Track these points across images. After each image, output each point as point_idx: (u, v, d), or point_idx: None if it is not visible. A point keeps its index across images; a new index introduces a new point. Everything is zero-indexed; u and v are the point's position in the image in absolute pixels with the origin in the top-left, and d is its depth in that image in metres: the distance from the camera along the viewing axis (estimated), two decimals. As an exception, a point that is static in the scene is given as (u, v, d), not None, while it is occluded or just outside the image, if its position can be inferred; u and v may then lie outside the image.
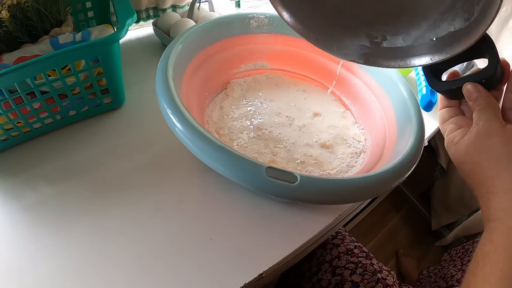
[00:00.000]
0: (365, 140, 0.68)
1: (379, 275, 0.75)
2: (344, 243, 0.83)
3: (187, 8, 0.95)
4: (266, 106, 0.69)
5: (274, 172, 0.41)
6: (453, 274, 1.01)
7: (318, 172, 0.60)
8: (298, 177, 0.41)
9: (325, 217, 0.56)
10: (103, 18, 0.78)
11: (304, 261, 0.82)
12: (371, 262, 0.78)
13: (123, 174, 0.59)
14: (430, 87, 0.80)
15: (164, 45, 0.87)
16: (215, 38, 0.66)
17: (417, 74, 0.85)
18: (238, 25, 0.69)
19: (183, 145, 0.46)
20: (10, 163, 0.59)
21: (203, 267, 0.49)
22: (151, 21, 0.91)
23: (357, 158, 0.64)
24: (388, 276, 0.76)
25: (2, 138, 0.59)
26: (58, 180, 0.57)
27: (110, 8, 0.77)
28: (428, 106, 0.80)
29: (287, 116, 0.68)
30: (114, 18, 0.79)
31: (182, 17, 0.84)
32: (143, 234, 0.52)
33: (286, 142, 0.63)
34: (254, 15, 0.69)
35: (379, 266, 0.78)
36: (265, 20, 0.70)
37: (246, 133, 0.63)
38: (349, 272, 0.76)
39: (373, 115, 0.67)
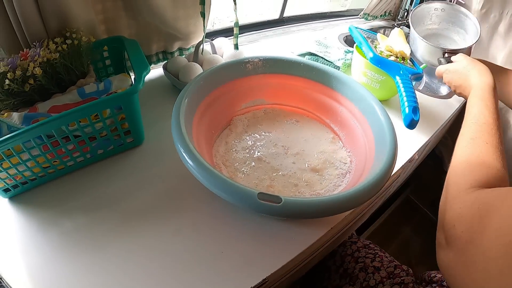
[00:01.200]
0: (350, 162, 0.75)
1: (395, 262, 0.82)
2: (360, 241, 0.89)
3: (192, 50, 1.03)
4: (263, 138, 0.78)
5: (263, 196, 0.50)
6: None
7: (309, 192, 0.67)
8: (282, 199, 0.50)
9: (317, 231, 0.64)
10: (119, 65, 0.86)
11: (327, 259, 0.88)
12: (385, 255, 0.85)
13: (146, 203, 0.67)
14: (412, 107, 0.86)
15: (174, 86, 0.95)
16: (218, 83, 0.74)
17: (400, 94, 0.88)
18: (237, 70, 0.77)
19: (194, 177, 0.54)
20: (48, 195, 0.67)
21: (216, 275, 0.57)
22: (161, 63, 0.99)
23: (343, 178, 0.71)
24: (402, 265, 0.81)
25: (40, 175, 0.66)
26: (90, 210, 0.64)
27: (124, 56, 0.85)
28: (411, 125, 0.84)
29: (282, 146, 0.76)
30: (128, 63, 0.87)
31: (188, 61, 0.93)
32: (165, 251, 0.59)
33: (282, 170, 0.71)
34: (250, 59, 0.77)
35: (392, 258, 0.85)
36: (259, 63, 0.78)
37: (248, 163, 0.71)
38: (370, 260, 0.82)
39: (357, 139, 0.74)
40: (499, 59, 1.45)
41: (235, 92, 0.79)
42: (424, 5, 1.25)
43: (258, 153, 0.74)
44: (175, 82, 0.91)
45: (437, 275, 0.80)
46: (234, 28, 0.94)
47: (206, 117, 0.71)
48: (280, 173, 0.70)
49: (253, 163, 0.72)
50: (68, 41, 0.70)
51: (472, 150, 0.62)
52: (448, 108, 1.14)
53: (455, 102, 1.18)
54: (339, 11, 1.65)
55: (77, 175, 0.71)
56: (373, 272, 0.79)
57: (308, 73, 0.80)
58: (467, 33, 1.21)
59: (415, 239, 1.91)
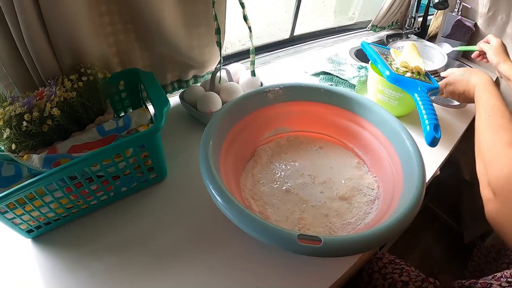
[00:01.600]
0: (378, 187, 0.73)
1: (422, 276, 0.79)
2: (385, 257, 0.87)
3: (207, 77, 1.02)
4: (289, 168, 0.76)
5: (303, 237, 0.48)
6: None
7: (340, 222, 0.65)
8: (322, 239, 0.48)
9: (348, 259, 0.64)
10: (135, 97, 0.84)
11: (354, 277, 0.86)
12: (411, 269, 0.82)
13: (174, 240, 0.65)
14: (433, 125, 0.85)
15: (192, 116, 0.93)
16: (240, 115, 0.72)
17: (420, 112, 0.85)
18: (258, 100, 0.75)
19: (218, 211, 0.53)
20: (72, 235, 0.65)
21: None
22: (176, 92, 0.97)
23: (372, 205, 0.69)
24: (428, 277, 0.79)
25: (63, 215, 0.65)
26: (118, 250, 0.62)
27: (140, 88, 0.83)
28: (433, 143, 0.81)
29: (309, 175, 0.74)
30: (144, 94, 0.84)
31: (205, 89, 0.91)
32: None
33: (311, 201, 0.69)
34: (270, 88, 0.76)
35: (417, 272, 0.82)
36: (280, 91, 0.77)
37: (277, 196, 0.69)
38: (398, 275, 0.80)
39: (383, 163, 0.72)
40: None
41: (258, 122, 0.77)
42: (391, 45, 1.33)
43: (286, 185, 0.72)
44: (193, 112, 0.89)
45: (465, 283, 0.78)
46: (250, 56, 0.92)
47: (232, 152, 0.69)
48: (309, 204, 0.68)
49: (282, 196, 0.70)
50: (84, 78, 0.69)
51: (493, 123, 0.74)
52: (464, 117, 1.13)
53: (470, 110, 1.17)
54: (347, 25, 1.64)
55: (101, 214, 0.69)
56: (402, 287, 0.77)
57: (329, 99, 0.79)
58: (433, 61, 1.35)
59: (436, 247, 1.88)
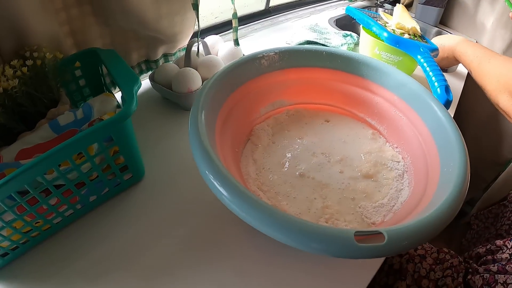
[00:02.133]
0: (403, 159, 0.62)
1: (436, 248, 0.76)
2: (427, 253, 0.80)
3: (179, 54, 0.88)
4: (297, 147, 0.62)
5: (361, 233, 0.36)
6: (492, 238, 1.04)
7: (371, 205, 0.54)
8: (385, 234, 0.35)
9: None
10: (97, 84, 0.69)
11: (397, 279, 0.78)
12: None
13: (168, 252, 0.51)
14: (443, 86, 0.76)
15: (166, 100, 0.79)
16: (231, 89, 0.59)
17: (427, 75, 0.79)
18: (250, 69, 0.62)
19: (222, 208, 0.40)
20: (39, 264, 0.50)
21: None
22: (145, 75, 0.83)
23: (402, 180, 0.58)
24: (442, 248, 0.77)
25: (21, 242, 0.49)
26: (97, 275, 0.48)
27: (101, 72, 0.69)
28: (446, 105, 0.77)
29: (322, 153, 0.61)
30: (108, 80, 0.72)
31: (180, 67, 0.76)
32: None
33: (332, 184, 0.56)
34: (264, 54, 0.63)
35: (429, 244, 0.78)
36: (275, 57, 0.64)
37: (290, 184, 0.56)
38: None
39: (404, 131, 0.62)
40: (488, 25, 1.41)
41: (252, 95, 0.63)
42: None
43: (298, 168, 0.58)
44: (167, 94, 0.75)
45: (480, 250, 0.79)
46: (232, 21, 0.79)
47: (227, 134, 0.55)
48: (330, 187, 0.55)
49: (296, 182, 0.56)
50: (29, 62, 0.53)
51: (490, 54, 0.80)
52: (457, 81, 1.13)
53: (461, 73, 1.16)
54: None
55: (69, 232, 0.54)
56: (420, 261, 0.72)
57: (332, 63, 0.67)
58: None
59: None
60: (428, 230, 0.37)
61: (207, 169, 0.40)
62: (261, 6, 1.30)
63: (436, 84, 0.77)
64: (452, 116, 0.90)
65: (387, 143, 0.65)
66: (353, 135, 0.66)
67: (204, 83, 0.55)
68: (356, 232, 0.35)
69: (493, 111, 1.61)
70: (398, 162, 0.61)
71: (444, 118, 0.53)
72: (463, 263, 0.73)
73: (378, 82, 0.65)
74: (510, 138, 1.57)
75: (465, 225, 1.78)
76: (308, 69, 0.67)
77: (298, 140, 0.64)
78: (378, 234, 0.35)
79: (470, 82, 1.66)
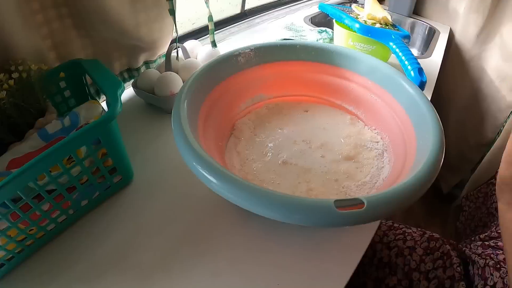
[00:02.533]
0: (381, 139, 0.65)
1: (426, 234, 0.75)
2: (383, 224, 0.82)
3: (159, 61, 0.89)
4: (278, 137, 0.64)
5: (341, 203, 0.37)
6: (484, 216, 1.06)
7: (354, 184, 0.56)
8: (365, 201, 0.38)
9: (368, 227, 0.56)
10: (81, 94, 0.71)
11: (387, 273, 0.80)
12: (413, 230, 0.78)
13: (163, 250, 0.52)
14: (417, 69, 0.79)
15: (150, 105, 0.81)
16: (211, 86, 0.61)
17: (400, 60, 0.82)
18: (228, 67, 0.65)
19: (213, 201, 0.45)
20: (35, 274, 0.50)
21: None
22: (128, 83, 0.85)
23: (382, 159, 0.61)
24: (432, 234, 0.76)
25: (17, 251, 0.50)
26: (94, 278, 0.49)
27: (85, 82, 0.70)
28: (421, 87, 0.79)
29: (303, 141, 0.63)
30: (92, 89, 0.74)
31: (161, 72, 0.78)
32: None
33: (315, 168, 0.58)
34: (240, 51, 0.66)
35: (419, 230, 0.79)
36: (251, 53, 0.66)
37: (274, 171, 0.58)
38: (402, 241, 0.75)
39: (381, 113, 0.65)
40: (461, 11, 1.44)
41: (231, 92, 0.65)
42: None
43: (281, 156, 0.60)
44: (150, 99, 0.77)
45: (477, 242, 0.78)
46: (209, 24, 0.81)
47: (209, 129, 0.57)
48: (313, 172, 0.57)
49: (280, 169, 0.58)
50: (15, 75, 0.55)
51: None
52: (433, 65, 1.15)
53: (436, 59, 1.19)
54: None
55: (64, 239, 0.55)
56: (409, 253, 0.73)
57: (306, 55, 0.69)
58: None
59: (417, 203, 1.91)
60: (405, 195, 0.39)
61: (194, 160, 0.42)
62: (237, 10, 1.32)
63: (409, 67, 0.79)
64: (430, 98, 0.93)
65: (366, 126, 0.67)
66: (332, 122, 0.68)
67: (183, 83, 0.57)
68: (336, 200, 0.37)
69: (472, 94, 1.64)
70: (377, 142, 0.63)
71: (416, 94, 0.56)
72: (455, 250, 0.73)
73: (352, 69, 0.67)
74: (491, 119, 1.59)
75: (457, 208, 1.80)
76: (284, 63, 0.69)
77: (279, 131, 0.66)
78: (359, 203, 0.37)
79: (448, 67, 1.70)
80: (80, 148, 0.50)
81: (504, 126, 1.56)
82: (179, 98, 0.52)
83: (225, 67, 0.64)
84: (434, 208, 1.88)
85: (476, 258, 0.69)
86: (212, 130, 0.58)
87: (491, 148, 1.62)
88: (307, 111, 0.71)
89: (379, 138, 0.64)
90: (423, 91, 0.78)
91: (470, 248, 0.75)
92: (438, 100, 1.83)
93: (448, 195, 1.88)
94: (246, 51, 0.65)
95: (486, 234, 0.80)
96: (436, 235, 0.76)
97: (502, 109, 1.54)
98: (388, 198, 0.38)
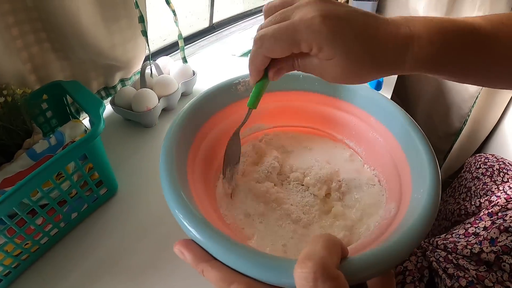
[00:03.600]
0: (379, 181, 0.60)
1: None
2: None
3: (134, 78, 0.95)
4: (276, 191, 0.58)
5: None
6: (452, 211, 1.03)
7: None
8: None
9: None
10: (63, 115, 0.76)
11: None
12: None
13: (150, 252, 0.58)
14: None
15: (128, 121, 0.86)
16: (207, 116, 0.58)
17: None
18: (227, 96, 0.61)
19: None
20: (30, 286, 0.55)
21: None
22: (106, 101, 0.90)
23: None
24: None
25: (13, 266, 0.54)
26: (89, 284, 0.54)
27: (66, 102, 0.75)
28: (378, 86, 0.86)
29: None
30: (73, 109, 0.79)
31: (136, 89, 0.84)
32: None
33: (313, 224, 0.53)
34: (240, 79, 0.61)
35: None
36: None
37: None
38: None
39: (379, 152, 0.59)
40: (420, 10, 1.49)
41: (228, 121, 0.62)
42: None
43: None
44: (128, 115, 0.82)
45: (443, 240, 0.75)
46: (179, 41, 0.87)
47: (199, 166, 0.53)
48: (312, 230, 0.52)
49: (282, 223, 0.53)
50: (0, 99, 0.59)
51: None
52: None
53: None
54: (261, 6, 1.64)
55: (57, 251, 0.60)
56: None
57: (310, 85, 0.65)
58: None
59: None
60: (386, 259, 0.33)
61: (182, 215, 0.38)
62: (206, 24, 1.37)
63: None
64: (390, 96, 0.99)
65: (366, 165, 0.63)
66: (331, 159, 0.63)
67: (181, 110, 0.54)
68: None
69: (437, 88, 1.72)
70: (374, 185, 0.58)
71: (413, 131, 0.52)
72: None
73: (354, 103, 0.62)
74: (457, 109, 1.67)
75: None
76: (285, 93, 0.65)
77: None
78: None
79: None
80: (69, 164, 0.56)
81: (469, 115, 1.65)
82: (170, 132, 0.49)
83: (224, 96, 0.61)
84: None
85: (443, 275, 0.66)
86: (203, 167, 0.55)
87: (459, 137, 1.71)
88: (310, 149, 0.67)
89: (377, 180, 0.60)
90: (380, 90, 0.83)
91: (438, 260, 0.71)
92: (406, 95, 1.92)
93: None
94: (246, 79, 0.62)
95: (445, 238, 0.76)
96: None
97: (466, 99, 1.62)
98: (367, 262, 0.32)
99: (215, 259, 0.33)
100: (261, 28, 0.38)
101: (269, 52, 0.37)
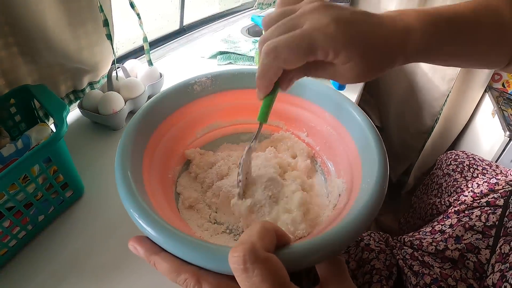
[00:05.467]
0: (335, 173, 0.62)
1: (361, 244, 0.75)
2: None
3: (103, 81, 0.97)
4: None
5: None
6: (426, 210, 1.06)
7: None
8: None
9: None
10: (31, 118, 0.78)
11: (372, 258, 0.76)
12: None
13: (114, 252, 0.61)
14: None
15: (96, 124, 0.89)
16: (163, 116, 0.61)
17: None
18: (183, 96, 0.64)
19: None
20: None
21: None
22: (74, 104, 0.92)
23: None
24: (370, 240, 0.77)
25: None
26: (56, 285, 0.56)
27: (34, 106, 0.77)
28: (341, 86, 0.89)
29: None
30: (41, 113, 0.80)
31: (104, 92, 0.86)
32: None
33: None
34: (196, 79, 0.65)
35: (359, 237, 0.78)
36: (207, 81, 0.66)
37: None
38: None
39: (335, 146, 0.63)
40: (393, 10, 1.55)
41: (185, 121, 0.65)
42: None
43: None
44: (95, 118, 0.85)
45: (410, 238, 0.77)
46: (144, 44, 0.89)
47: (156, 165, 0.57)
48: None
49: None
50: None
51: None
52: None
53: None
54: (234, 7, 1.70)
55: (25, 253, 0.62)
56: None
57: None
58: None
59: None
60: (320, 249, 0.35)
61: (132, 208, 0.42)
62: (176, 26, 1.39)
63: None
64: (357, 96, 1.04)
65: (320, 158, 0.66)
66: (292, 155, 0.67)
67: (137, 111, 0.57)
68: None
69: (409, 87, 1.77)
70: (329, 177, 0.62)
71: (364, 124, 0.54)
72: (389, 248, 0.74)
73: (307, 98, 0.65)
74: (428, 108, 1.72)
75: (407, 194, 1.94)
76: (241, 91, 0.68)
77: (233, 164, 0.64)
78: None
79: None
80: (33, 166, 0.58)
81: (440, 113, 1.72)
82: (126, 134, 0.52)
83: (180, 96, 0.63)
84: (387, 197, 2.00)
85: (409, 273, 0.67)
86: (161, 161, 0.58)
87: (431, 134, 1.77)
88: (270, 138, 0.71)
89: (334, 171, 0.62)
90: (344, 90, 0.87)
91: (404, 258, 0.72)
92: (379, 95, 1.97)
93: (397, 183, 2.00)
94: (202, 79, 0.65)
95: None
96: (372, 246, 0.74)
97: (437, 97, 1.68)
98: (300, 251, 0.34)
99: (165, 251, 0.36)
100: (264, 39, 0.38)
101: (285, 63, 0.37)
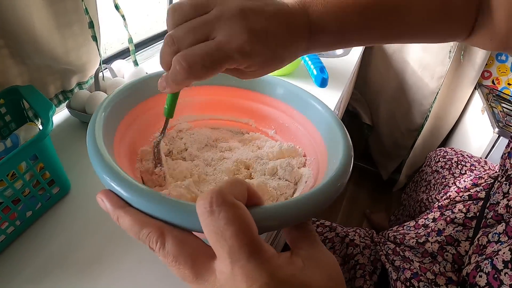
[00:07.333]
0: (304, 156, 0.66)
1: (346, 240, 0.78)
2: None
3: (91, 81, 1.00)
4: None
5: None
6: (415, 207, 1.10)
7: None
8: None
9: None
10: (21, 118, 0.81)
11: (356, 253, 0.79)
12: (336, 233, 0.81)
13: (98, 246, 0.64)
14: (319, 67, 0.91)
15: (84, 123, 0.92)
16: (130, 106, 0.62)
17: (305, 62, 0.95)
18: (150, 88, 0.64)
19: None
20: None
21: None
22: (63, 105, 0.95)
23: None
24: (355, 235, 0.79)
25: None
26: (42, 278, 0.59)
27: (23, 106, 0.80)
28: (323, 83, 0.92)
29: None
30: (31, 113, 0.83)
31: (91, 92, 0.90)
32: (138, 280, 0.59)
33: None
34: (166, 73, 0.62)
35: (344, 232, 0.81)
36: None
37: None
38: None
39: (291, 128, 0.68)
40: None
41: (153, 112, 0.66)
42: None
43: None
44: (83, 117, 0.88)
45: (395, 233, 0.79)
46: (129, 45, 0.92)
47: (127, 146, 0.59)
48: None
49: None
50: None
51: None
52: (348, 64, 1.28)
53: (353, 58, 1.33)
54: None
55: (14, 248, 0.65)
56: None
57: (236, 81, 0.69)
58: None
59: (360, 193, 2.07)
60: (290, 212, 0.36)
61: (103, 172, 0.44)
62: (165, 27, 1.38)
63: (312, 66, 0.92)
64: (341, 94, 1.07)
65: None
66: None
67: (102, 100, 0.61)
68: None
69: (398, 85, 1.81)
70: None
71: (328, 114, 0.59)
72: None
73: (269, 94, 0.69)
74: (418, 106, 1.75)
75: (398, 192, 1.97)
76: (214, 87, 0.70)
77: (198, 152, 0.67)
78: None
79: (373, 63, 1.87)
80: (21, 163, 0.61)
81: (430, 111, 1.75)
82: (95, 115, 0.57)
83: (151, 86, 0.63)
84: (378, 195, 2.03)
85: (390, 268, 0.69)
86: (129, 148, 0.60)
87: (422, 132, 1.81)
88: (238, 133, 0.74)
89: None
90: (326, 87, 0.90)
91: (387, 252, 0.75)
92: (369, 94, 2.01)
93: (388, 181, 2.04)
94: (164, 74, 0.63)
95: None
96: (357, 241, 0.76)
97: (426, 95, 1.71)
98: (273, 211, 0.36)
99: (131, 206, 0.36)
100: (173, 40, 0.38)
101: (197, 77, 0.37)
